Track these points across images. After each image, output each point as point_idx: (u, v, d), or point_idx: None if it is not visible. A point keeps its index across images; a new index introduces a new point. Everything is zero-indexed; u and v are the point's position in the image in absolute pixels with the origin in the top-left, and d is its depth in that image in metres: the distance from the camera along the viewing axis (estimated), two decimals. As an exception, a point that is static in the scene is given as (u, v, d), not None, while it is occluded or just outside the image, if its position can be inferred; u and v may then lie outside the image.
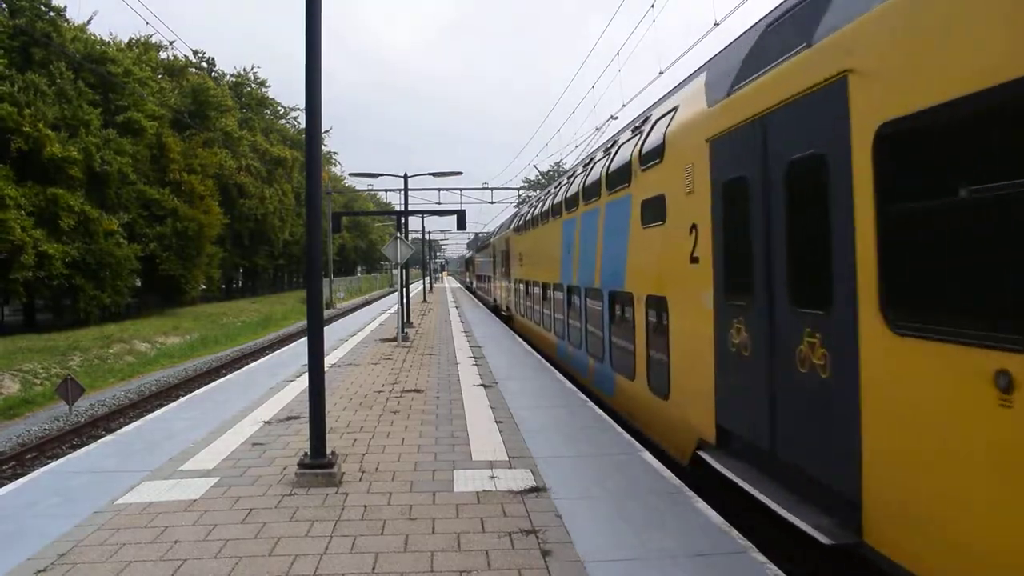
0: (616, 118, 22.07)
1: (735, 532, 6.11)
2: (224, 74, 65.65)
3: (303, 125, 8.60)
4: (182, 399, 13.85)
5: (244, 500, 7.11)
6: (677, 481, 7.53)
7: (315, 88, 7.78)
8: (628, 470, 7.97)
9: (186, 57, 56.45)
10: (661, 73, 16.43)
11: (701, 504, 6.81)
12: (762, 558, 5.59)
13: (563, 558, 5.62)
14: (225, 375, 19.07)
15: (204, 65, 61.52)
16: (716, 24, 13.27)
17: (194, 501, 7.09)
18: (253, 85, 69.59)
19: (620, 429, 9.91)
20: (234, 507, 6.91)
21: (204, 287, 52.96)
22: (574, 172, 16.32)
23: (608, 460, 8.37)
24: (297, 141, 69.54)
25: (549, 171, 78.33)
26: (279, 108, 75.32)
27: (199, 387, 16.96)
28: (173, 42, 62.24)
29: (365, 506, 6.88)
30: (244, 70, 69.38)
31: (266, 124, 70.32)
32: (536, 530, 6.18)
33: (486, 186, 61.80)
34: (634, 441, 9.25)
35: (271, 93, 74.09)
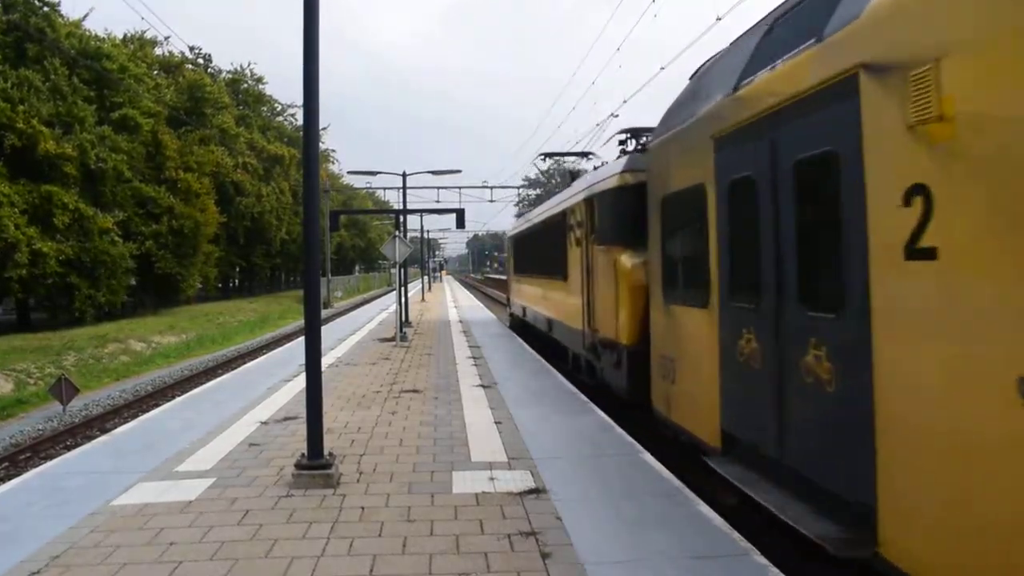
0: (617, 116, 22.02)
1: (736, 534, 6.07)
2: (221, 71, 65.45)
3: (300, 122, 8.58)
4: (178, 399, 13.80)
5: (241, 501, 7.05)
6: (678, 482, 7.49)
7: (312, 85, 7.70)
8: (628, 471, 7.92)
9: (182, 53, 56.29)
10: (662, 69, 16.38)
11: (702, 506, 6.76)
12: (763, 560, 5.55)
13: (563, 560, 5.56)
14: (222, 375, 18.98)
15: (200, 61, 61.29)
16: (718, 19, 13.26)
17: (190, 502, 7.03)
18: (250, 82, 69.29)
19: (620, 430, 9.87)
20: (230, 508, 6.85)
21: (200, 286, 52.78)
22: None
23: (608, 461, 8.32)
24: (295, 138, 69.33)
25: (549, 169, 78.11)
26: (276, 105, 75.08)
27: (195, 387, 16.90)
28: (168, 38, 62.16)
29: (363, 507, 6.82)
30: (241, 67, 69.19)
31: (263, 121, 70.03)
32: (535, 532, 6.13)
33: (485, 184, 61.60)
34: (634, 442, 9.21)
35: (268, 89, 73.74)
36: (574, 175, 19.20)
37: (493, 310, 41.37)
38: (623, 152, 12.27)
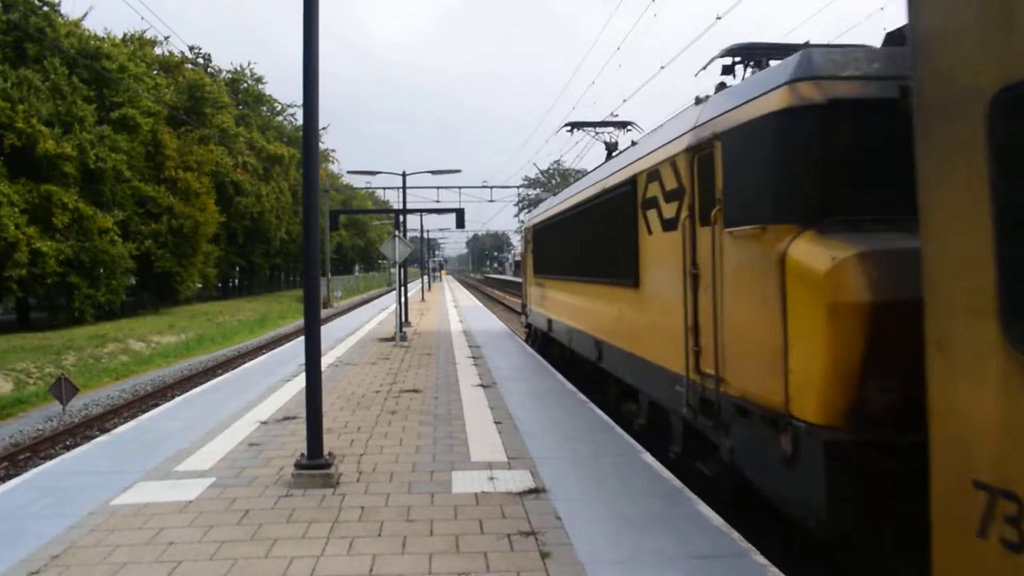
0: (617, 115, 22.03)
1: (736, 534, 6.07)
2: (220, 70, 65.45)
3: (300, 122, 8.56)
4: (177, 399, 13.78)
5: (240, 501, 7.04)
6: (678, 483, 7.48)
7: (312, 85, 7.71)
8: (628, 471, 7.91)
9: (182, 53, 56.25)
10: (662, 68, 16.41)
11: (702, 506, 6.76)
12: (763, 560, 5.55)
13: (562, 560, 5.56)
14: (221, 375, 18.98)
15: (200, 61, 61.29)
16: (718, 18, 13.28)
17: (190, 502, 7.02)
18: (250, 81, 69.30)
19: (620, 430, 9.86)
20: (230, 508, 6.84)
21: (200, 286, 52.76)
22: None
23: (608, 461, 8.31)
24: (294, 138, 69.36)
25: (549, 169, 78.15)
26: (276, 105, 75.10)
27: (195, 387, 16.89)
28: (168, 37, 62.09)
29: (363, 507, 6.81)
30: (241, 66, 69.19)
31: (263, 121, 70.05)
32: (535, 532, 6.13)
33: (485, 184, 61.53)
34: (635, 442, 9.19)
35: (268, 89, 73.66)
36: (611, 148, 15.67)
37: (493, 310, 41.37)
38: (721, 87, 7.66)
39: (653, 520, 6.38)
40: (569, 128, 17.60)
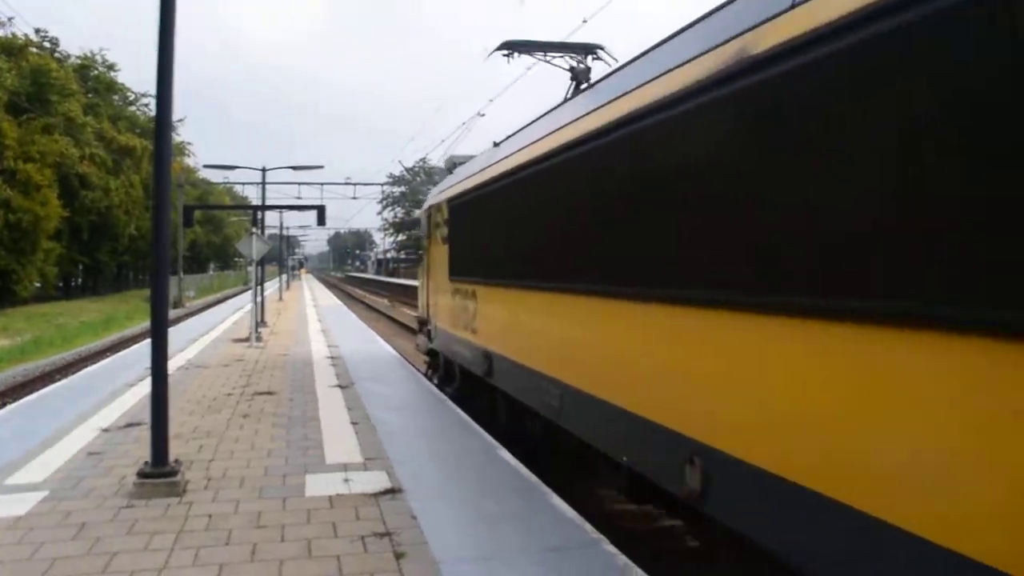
0: (483, 115, 22.26)
1: (588, 525, 6.28)
2: (69, 56, 61.33)
3: (154, 112, 8.08)
4: (9, 407, 12.85)
5: (76, 514, 6.63)
6: (534, 478, 7.65)
7: (166, 72, 7.33)
8: (485, 469, 8.03)
9: (26, 36, 52.36)
10: (528, 69, 16.74)
11: (555, 499, 6.95)
12: (612, 549, 5.77)
13: (417, 560, 5.57)
14: (60, 380, 17.81)
15: (47, 45, 57.23)
16: (584, 21, 14.07)
17: (20, 518, 6.53)
18: (101, 68, 65.35)
19: (479, 428, 9.97)
20: (64, 522, 6.43)
21: (38, 285, 49.39)
22: None
23: (466, 459, 8.40)
24: (147, 129, 65.78)
25: (414, 167, 77.78)
26: (128, 94, 71.17)
27: (30, 393, 15.75)
28: (12, 18, 57.68)
29: (210, 515, 6.57)
30: (91, 52, 65.09)
31: (114, 111, 66.23)
32: (390, 532, 6.11)
33: (348, 181, 60.33)
34: (493, 440, 9.32)
35: (120, 78, 69.57)
36: (581, 78, 11.00)
37: (354, 309, 40.82)
38: None
39: (509, 515, 6.50)
40: (506, 52, 11.92)
